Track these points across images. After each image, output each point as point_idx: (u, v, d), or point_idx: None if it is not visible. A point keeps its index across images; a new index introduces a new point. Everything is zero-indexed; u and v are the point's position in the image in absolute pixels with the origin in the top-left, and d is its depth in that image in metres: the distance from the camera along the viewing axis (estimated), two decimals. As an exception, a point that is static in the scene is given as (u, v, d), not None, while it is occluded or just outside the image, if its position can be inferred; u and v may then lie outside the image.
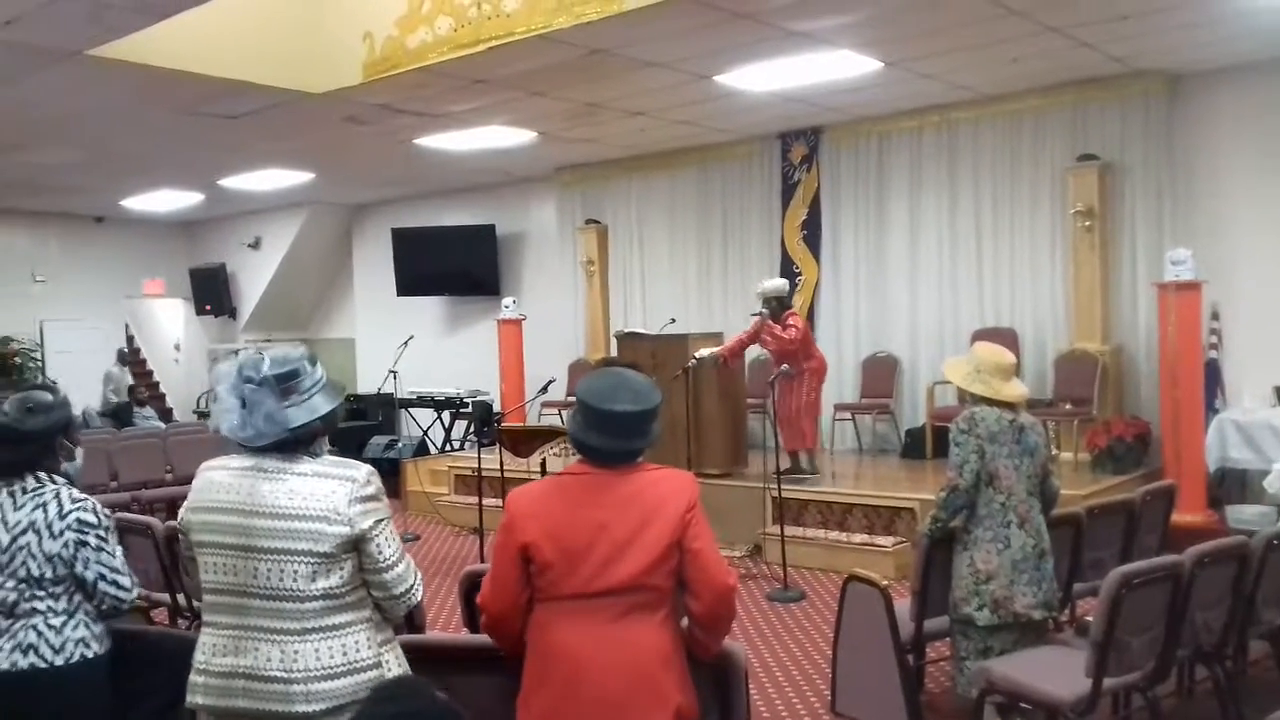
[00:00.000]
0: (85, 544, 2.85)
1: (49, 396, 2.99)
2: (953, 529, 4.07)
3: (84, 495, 2.94)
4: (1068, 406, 8.33)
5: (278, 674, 2.41)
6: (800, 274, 10.11)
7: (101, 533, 2.90)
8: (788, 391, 7.96)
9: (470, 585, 3.71)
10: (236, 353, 2.60)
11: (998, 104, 8.89)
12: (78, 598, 2.86)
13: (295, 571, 2.42)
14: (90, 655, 2.84)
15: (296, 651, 2.41)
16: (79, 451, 3.06)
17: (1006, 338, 8.48)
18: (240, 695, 2.44)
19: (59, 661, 2.78)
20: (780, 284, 8.27)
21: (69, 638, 2.81)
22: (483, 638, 2.81)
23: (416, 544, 8.85)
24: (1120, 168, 8.49)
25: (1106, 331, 8.49)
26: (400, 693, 1.48)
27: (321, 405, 2.54)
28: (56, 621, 2.81)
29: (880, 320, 9.81)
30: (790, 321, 7.89)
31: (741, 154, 10.54)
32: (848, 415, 9.80)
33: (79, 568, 2.84)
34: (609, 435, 2.57)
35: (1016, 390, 4.06)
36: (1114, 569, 3.53)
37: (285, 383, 2.49)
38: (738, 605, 2.71)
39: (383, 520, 2.52)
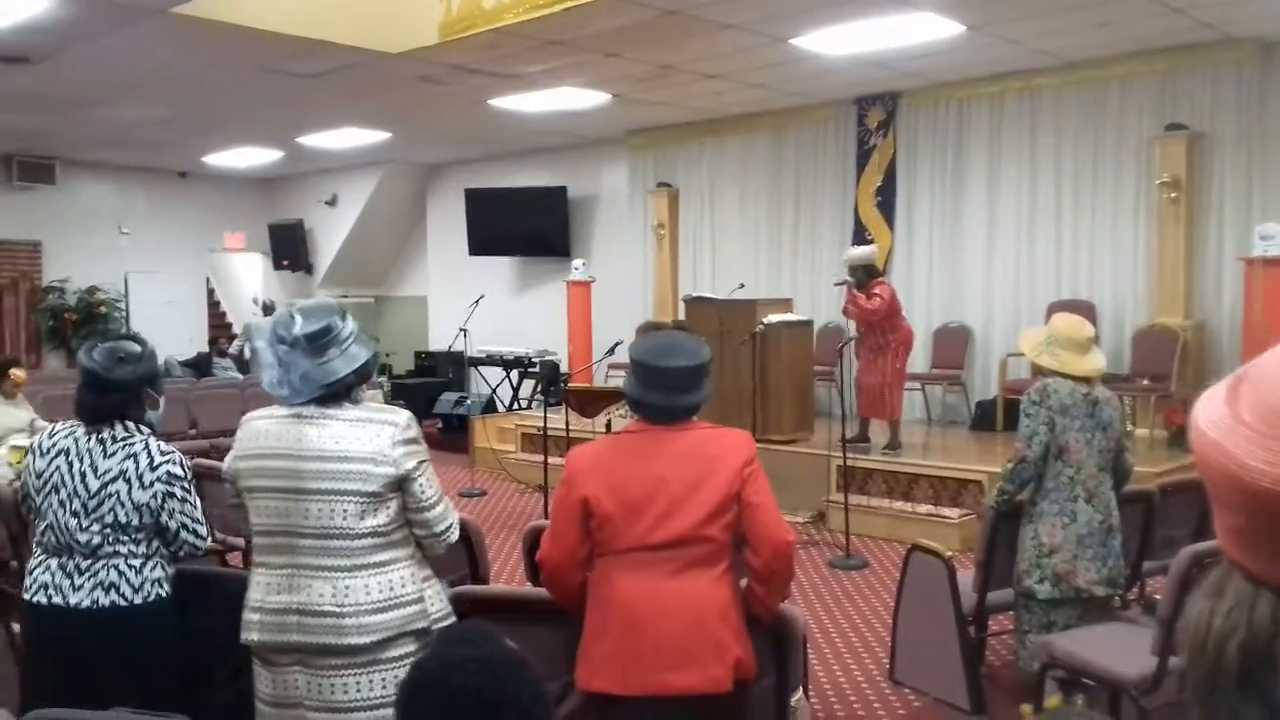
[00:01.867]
0: (172, 495, 2.95)
1: (137, 348, 3.06)
2: (1019, 502, 4.03)
3: (170, 448, 3.04)
4: (1145, 382, 8.14)
5: (330, 608, 2.51)
6: (873, 241, 9.96)
7: (186, 485, 3.00)
8: (873, 361, 7.86)
9: (533, 540, 3.77)
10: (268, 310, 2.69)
11: (1083, 70, 8.65)
12: (155, 542, 2.96)
13: (345, 510, 2.52)
14: (164, 595, 2.95)
15: (347, 587, 2.52)
16: (161, 401, 3.16)
17: (1084, 310, 8.26)
18: (294, 630, 2.55)
19: (138, 600, 2.89)
20: (866, 251, 8.13)
21: (147, 578, 2.92)
22: (545, 591, 2.86)
23: (483, 499, 8.99)
24: (1209, 138, 8.21)
25: (1189, 306, 8.26)
26: (471, 637, 1.52)
27: (356, 357, 2.63)
28: (136, 563, 2.91)
29: (954, 290, 9.66)
30: (876, 291, 7.74)
31: (817, 119, 10.40)
32: (917, 386, 9.69)
33: (164, 518, 2.94)
34: (665, 392, 2.64)
35: (1091, 364, 3.98)
36: (1185, 547, 3.47)
37: (317, 341, 2.57)
38: (799, 570, 2.75)
39: (424, 462, 2.63)
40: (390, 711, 2.51)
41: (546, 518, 8.23)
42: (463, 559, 3.74)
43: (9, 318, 13.48)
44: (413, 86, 9.15)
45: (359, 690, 2.54)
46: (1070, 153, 8.92)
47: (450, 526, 2.70)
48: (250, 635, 2.62)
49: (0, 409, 7.52)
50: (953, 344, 9.57)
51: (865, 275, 7.81)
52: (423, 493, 2.60)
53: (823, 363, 9.09)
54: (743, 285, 9.50)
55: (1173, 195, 8.20)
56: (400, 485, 2.57)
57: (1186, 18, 7.30)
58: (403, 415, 2.64)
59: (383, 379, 13.08)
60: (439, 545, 2.70)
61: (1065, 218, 8.98)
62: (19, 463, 6.95)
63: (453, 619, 2.72)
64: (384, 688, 2.54)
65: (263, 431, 2.63)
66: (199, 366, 13.29)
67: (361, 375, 2.65)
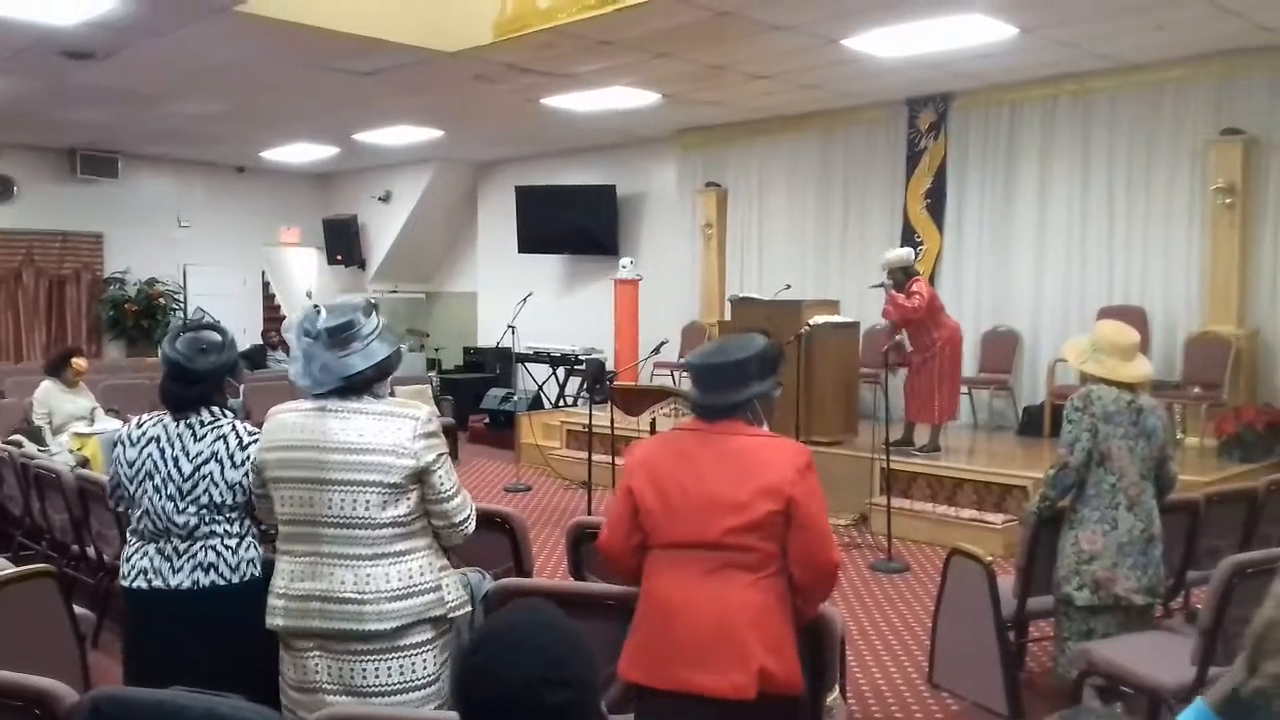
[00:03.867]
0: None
1: (218, 337, 3.18)
2: (1061, 508, 4.03)
3: (256, 429, 3.15)
4: (1196, 390, 8.04)
5: (351, 595, 2.62)
6: (922, 244, 9.94)
7: None
8: (922, 363, 7.84)
9: (578, 535, 3.84)
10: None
11: (1138, 74, 8.55)
12: (247, 522, 3.08)
13: (367, 501, 2.62)
14: (258, 574, 3.05)
15: (368, 575, 2.62)
16: (241, 389, 3.28)
17: (1135, 316, 8.21)
18: (316, 616, 2.65)
19: (235, 579, 3.00)
20: (903, 254, 8.13)
21: (243, 558, 3.03)
22: (587, 585, 2.94)
23: (527, 494, 9.09)
24: (1266, 143, 8.08)
25: (1242, 314, 8.15)
26: (537, 606, 1.65)
27: (375, 353, 2.72)
28: (232, 543, 3.03)
29: (1002, 294, 9.60)
30: (915, 288, 7.74)
31: (867, 120, 10.38)
32: (964, 390, 9.62)
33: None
34: (701, 389, 2.69)
35: (1137, 370, 3.96)
36: (1228, 557, 3.46)
37: (338, 335, 2.67)
38: (839, 573, 2.76)
39: (443, 455, 2.73)
40: (409, 696, 2.63)
41: (590, 514, 8.32)
42: (507, 552, 3.81)
43: (71, 308, 13.82)
44: (467, 85, 9.27)
45: (378, 676, 2.63)
46: (1123, 156, 8.82)
47: (468, 518, 2.79)
48: (275, 620, 2.73)
49: (62, 397, 7.75)
50: (1001, 348, 9.50)
51: (903, 276, 7.82)
52: (441, 484, 2.70)
53: (868, 365, 9.08)
54: (789, 286, 9.52)
55: (1227, 201, 8.09)
56: (420, 477, 2.67)
57: (1244, 20, 7.20)
58: (423, 410, 2.73)
59: (431, 374, 13.25)
60: (456, 535, 2.79)
61: (1117, 222, 8.88)
62: (80, 449, 7.18)
63: (469, 608, 2.81)
64: (401, 674, 2.64)
65: (289, 424, 2.73)
66: (253, 358, 13.55)
67: (382, 371, 2.75)
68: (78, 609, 3.98)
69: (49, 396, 7.70)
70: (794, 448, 2.66)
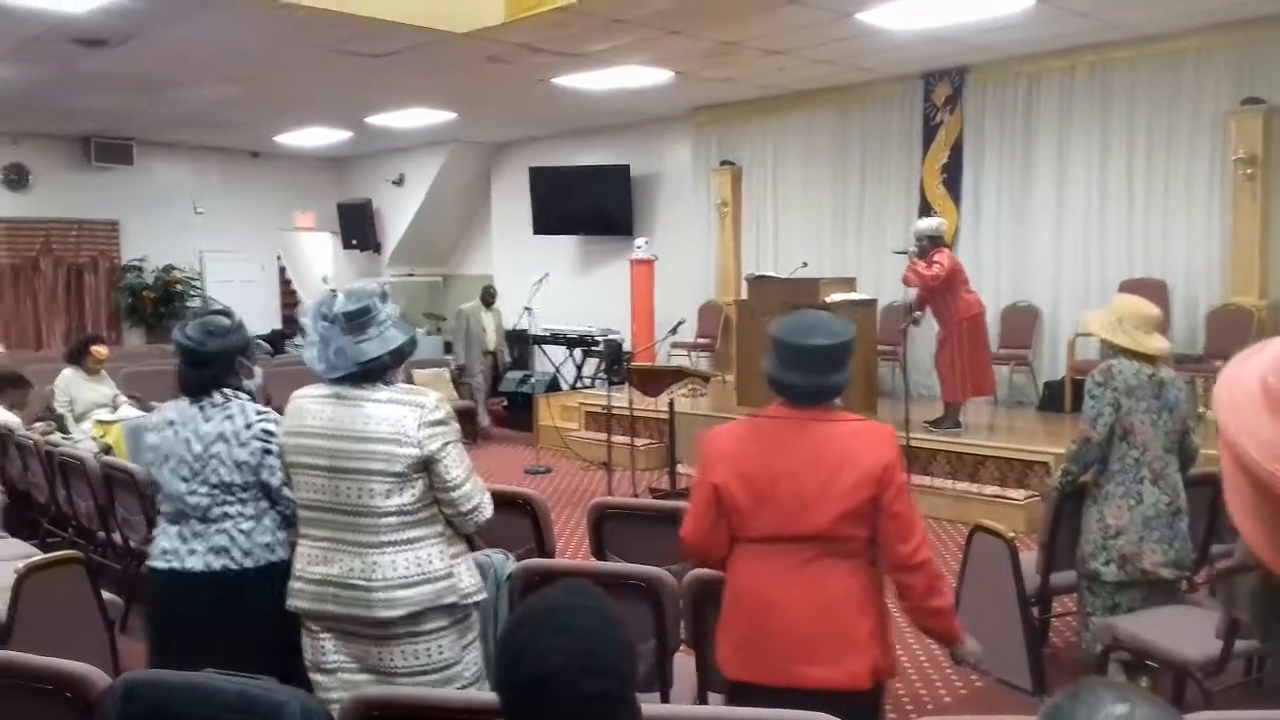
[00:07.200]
0: (269, 452, 3.08)
1: (226, 321, 3.23)
2: (1084, 484, 4.01)
3: (266, 408, 3.20)
4: (1219, 364, 7.97)
5: (359, 582, 2.63)
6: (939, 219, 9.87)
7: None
8: (945, 338, 7.79)
9: (598, 516, 3.85)
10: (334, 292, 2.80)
11: (1157, 44, 8.44)
12: (264, 504, 3.11)
13: (372, 489, 2.63)
14: (273, 559, 3.07)
15: (375, 563, 2.63)
16: (258, 370, 3.32)
17: (1156, 290, 8.15)
18: (330, 601, 2.68)
19: (248, 564, 3.04)
20: (933, 223, 8.03)
21: (256, 542, 3.07)
22: (609, 564, 2.94)
23: (547, 476, 9.11)
24: (1289, 113, 8.00)
25: (1265, 286, 8.07)
26: (582, 589, 1.66)
27: (391, 340, 2.71)
28: (246, 526, 3.06)
29: (1021, 269, 9.53)
30: (936, 258, 7.66)
31: (882, 94, 10.30)
32: (984, 365, 9.58)
33: (264, 474, 3.09)
34: (807, 371, 2.54)
35: (1160, 343, 3.95)
36: (1253, 531, 3.43)
37: (356, 320, 2.67)
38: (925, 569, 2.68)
39: (450, 443, 2.70)
40: (428, 677, 2.65)
41: (610, 494, 8.31)
42: (529, 533, 3.83)
43: (89, 295, 13.88)
44: (479, 66, 9.23)
45: (392, 659, 2.66)
46: (1143, 128, 8.72)
47: (477, 507, 2.75)
48: (294, 602, 2.76)
49: (84, 385, 7.80)
50: (1020, 324, 9.44)
51: (930, 245, 7.75)
52: (448, 473, 2.67)
53: (886, 342, 9.04)
54: (806, 264, 9.47)
55: (1248, 171, 8.00)
56: (426, 466, 2.65)
57: (1266, -12, 7.11)
58: (430, 397, 2.72)
59: (449, 357, 13.27)
60: (467, 524, 2.77)
61: (1137, 194, 8.80)
62: (103, 436, 7.23)
63: (484, 594, 2.82)
64: (417, 658, 2.66)
65: (305, 410, 2.75)
66: (272, 343, 13.61)
67: (396, 357, 2.74)
68: (105, 595, 4.02)
69: (70, 384, 7.75)
70: (885, 431, 2.60)
